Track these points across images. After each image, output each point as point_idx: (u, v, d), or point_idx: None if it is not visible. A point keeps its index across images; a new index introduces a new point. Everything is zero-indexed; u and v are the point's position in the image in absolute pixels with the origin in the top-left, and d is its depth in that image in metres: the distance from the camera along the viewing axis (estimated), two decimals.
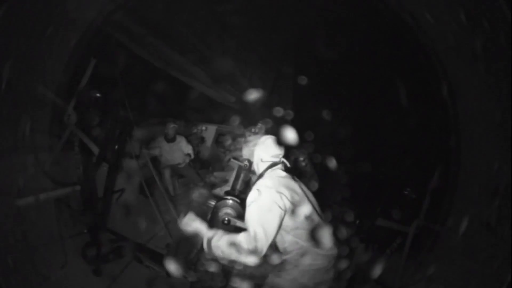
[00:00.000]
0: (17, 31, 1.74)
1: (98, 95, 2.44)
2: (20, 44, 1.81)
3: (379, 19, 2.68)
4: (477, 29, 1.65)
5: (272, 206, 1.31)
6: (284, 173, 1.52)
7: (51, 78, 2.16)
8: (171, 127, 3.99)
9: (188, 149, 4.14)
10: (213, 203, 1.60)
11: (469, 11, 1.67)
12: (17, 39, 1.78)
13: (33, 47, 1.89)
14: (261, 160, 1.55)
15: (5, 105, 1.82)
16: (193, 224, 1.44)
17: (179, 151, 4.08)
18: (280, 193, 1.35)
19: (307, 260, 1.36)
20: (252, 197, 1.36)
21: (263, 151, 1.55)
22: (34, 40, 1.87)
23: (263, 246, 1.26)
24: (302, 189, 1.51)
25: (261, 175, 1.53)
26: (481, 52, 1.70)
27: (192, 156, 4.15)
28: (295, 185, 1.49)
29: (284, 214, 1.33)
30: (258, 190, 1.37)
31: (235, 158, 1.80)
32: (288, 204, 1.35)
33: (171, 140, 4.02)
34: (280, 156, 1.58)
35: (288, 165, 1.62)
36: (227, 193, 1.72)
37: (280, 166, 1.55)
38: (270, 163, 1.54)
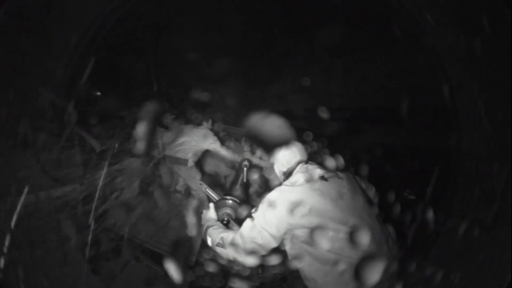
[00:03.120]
0: (16, 31, 1.74)
1: (98, 93, 2.44)
2: (19, 44, 1.80)
3: (378, 18, 2.66)
4: (477, 28, 1.64)
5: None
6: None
7: (50, 77, 2.16)
8: (168, 116, 3.81)
9: None
10: (216, 198, 1.58)
11: (468, 10, 1.66)
12: (16, 39, 1.78)
13: (33, 46, 1.88)
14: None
15: (5, 104, 1.82)
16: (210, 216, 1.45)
17: None
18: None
19: None
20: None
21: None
22: (33, 39, 1.86)
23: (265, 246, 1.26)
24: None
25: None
26: (481, 51, 1.69)
27: None
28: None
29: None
30: None
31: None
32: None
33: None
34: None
35: None
36: (227, 193, 1.72)
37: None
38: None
